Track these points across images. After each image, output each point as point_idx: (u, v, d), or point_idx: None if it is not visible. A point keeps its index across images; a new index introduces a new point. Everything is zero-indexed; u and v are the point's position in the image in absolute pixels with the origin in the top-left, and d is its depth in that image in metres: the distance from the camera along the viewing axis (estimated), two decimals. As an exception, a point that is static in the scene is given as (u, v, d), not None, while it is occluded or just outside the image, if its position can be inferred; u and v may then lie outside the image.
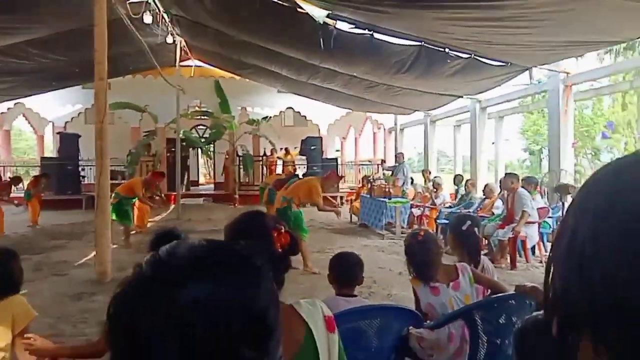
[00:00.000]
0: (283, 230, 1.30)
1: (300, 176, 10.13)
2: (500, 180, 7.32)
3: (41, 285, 5.31)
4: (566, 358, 0.43)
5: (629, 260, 0.37)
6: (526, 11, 4.60)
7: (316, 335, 1.21)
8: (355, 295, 2.56)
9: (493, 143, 11.83)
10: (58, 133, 15.60)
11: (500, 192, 7.27)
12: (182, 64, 13.26)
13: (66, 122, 16.10)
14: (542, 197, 7.02)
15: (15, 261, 2.27)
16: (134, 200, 8.39)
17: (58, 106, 15.58)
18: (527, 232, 6.31)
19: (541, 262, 6.47)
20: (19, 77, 9.78)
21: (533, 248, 6.67)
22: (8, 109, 15.04)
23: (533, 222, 6.36)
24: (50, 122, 16.43)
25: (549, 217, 6.78)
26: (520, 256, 6.50)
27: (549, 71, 7.97)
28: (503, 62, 7.09)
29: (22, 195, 10.91)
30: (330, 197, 14.84)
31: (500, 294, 2.50)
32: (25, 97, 13.49)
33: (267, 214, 1.45)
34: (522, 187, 6.50)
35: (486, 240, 6.89)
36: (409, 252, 2.60)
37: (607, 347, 0.39)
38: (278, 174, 12.62)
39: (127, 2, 6.97)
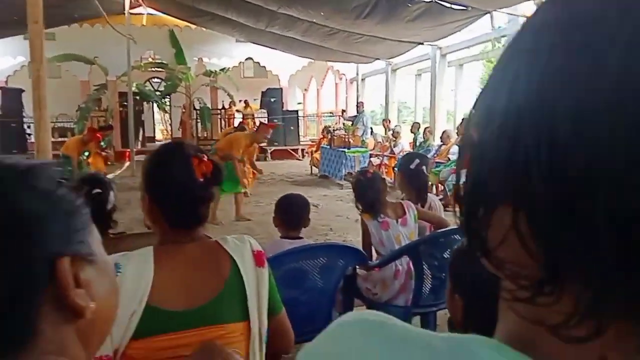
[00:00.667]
0: (205, 159, 1.20)
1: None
2: (457, 127, 7.38)
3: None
4: (472, 239, 0.31)
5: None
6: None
7: (242, 270, 1.15)
8: (301, 237, 2.51)
9: (452, 90, 11.88)
10: (-1, 88, 14.62)
11: (457, 138, 7.34)
12: (132, 11, 12.47)
13: (8, 76, 15.01)
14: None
15: None
16: (85, 155, 7.98)
17: (-3, 58, 14.53)
18: (481, 177, 6.43)
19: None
20: (-55, 24, 8.93)
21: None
22: (-61, 61, 13.89)
23: (487, 167, 6.47)
24: (-11, 75, 15.35)
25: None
26: (475, 200, 6.65)
27: (509, 15, 7.91)
28: (464, 5, 6.99)
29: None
30: (291, 149, 14.83)
31: (444, 229, 2.51)
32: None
33: (187, 143, 1.32)
34: (478, 132, 6.56)
35: (442, 185, 7.02)
36: (358, 187, 2.65)
37: (532, 214, 0.26)
38: (227, 130, 12.13)
39: None
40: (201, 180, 1.18)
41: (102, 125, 10.74)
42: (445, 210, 3.32)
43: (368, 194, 2.59)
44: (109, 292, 0.54)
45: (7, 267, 0.45)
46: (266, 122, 14.78)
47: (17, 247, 0.45)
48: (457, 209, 0.33)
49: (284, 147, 14.78)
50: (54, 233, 0.48)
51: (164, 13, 14.01)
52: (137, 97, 14.26)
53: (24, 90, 13.70)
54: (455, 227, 2.35)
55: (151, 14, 14.60)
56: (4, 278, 0.45)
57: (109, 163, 8.90)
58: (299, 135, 15.63)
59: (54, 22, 10.90)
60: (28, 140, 13.78)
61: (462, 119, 6.99)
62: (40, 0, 5.46)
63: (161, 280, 1.08)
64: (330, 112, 18.27)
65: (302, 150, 15.02)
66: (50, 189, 0.50)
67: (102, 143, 10.59)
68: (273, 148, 14.46)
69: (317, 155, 10.74)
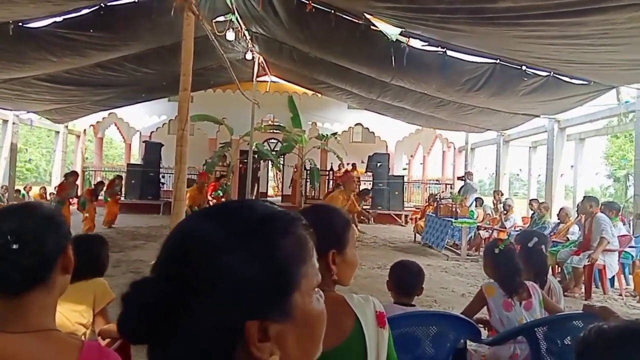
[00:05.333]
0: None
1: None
2: (577, 205, 6.93)
3: (119, 281, 5.49)
4: None
5: None
6: (611, 27, 4.40)
7: (365, 328, 1.20)
8: (414, 305, 2.54)
9: (572, 167, 11.18)
10: (144, 142, 16.85)
11: (577, 216, 6.87)
12: (258, 79, 13.90)
13: (152, 132, 17.28)
14: (624, 225, 6.54)
15: (105, 248, 2.51)
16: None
17: (146, 117, 16.86)
18: (605, 261, 5.89)
19: (620, 295, 5.99)
20: (114, 89, 10.76)
21: (612, 279, 6.22)
22: (103, 118, 16.50)
23: (613, 250, 5.94)
24: (137, 131, 17.75)
25: (631, 247, 6.30)
26: (596, 287, 6.07)
27: (638, 90, 7.48)
28: (585, 80, 6.77)
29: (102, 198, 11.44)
30: (394, 214, 14.82)
31: (566, 312, 2.41)
32: (118, 107, 14.76)
33: (339, 212, 1.41)
34: (602, 212, 6.12)
35: (559, 267, 6.54)
36: (498, 258, 2.55)
37: None
38: (329, 191, 12.51)
39: (213, 20, 7.50)
40: None
41: (217, 176, 12.36)
42: (564, 295, 3.15)
43: (506, 268, 2.50)
44: (305, 338, 0.60)
45: (213, 323, 0.52)
46: (372, 185, 15.17)
47: (228, 309, 0.53)
48: None
49: (387, 212, 14.87)
50: (255, 302, 0.54)
51: (287, 81, 15.39)
52: (256, 156, 15.51)
53: (162, 145, 15.72)
54: (579, 312, 2.26)
55: (274, 82, 16.10)
56: (208, 332, 0.53)
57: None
58: (403, 201, 15.65)
59: (195, 87, 12.61)
60: (161, 189, 15.58)
61: (584, 197, 6.57)
62: (190, 72, 6.45)
63: None
64: (437, 180, 18.07)
65: (406, 216, 14.95)
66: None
67: (218, 191, 11.60)
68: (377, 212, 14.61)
69: (421, 222, 10.62)
